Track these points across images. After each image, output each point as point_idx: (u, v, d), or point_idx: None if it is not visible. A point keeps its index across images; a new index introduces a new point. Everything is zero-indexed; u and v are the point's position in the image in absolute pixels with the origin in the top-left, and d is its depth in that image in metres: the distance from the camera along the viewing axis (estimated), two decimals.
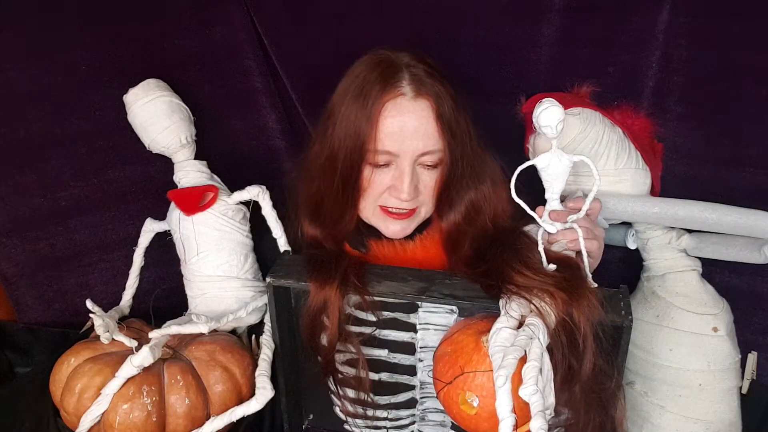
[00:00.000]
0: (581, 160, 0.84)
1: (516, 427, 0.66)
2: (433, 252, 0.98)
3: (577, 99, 0.99)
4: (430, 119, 0.88)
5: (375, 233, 0.98)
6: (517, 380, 0.68)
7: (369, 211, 0.95)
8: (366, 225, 0.98)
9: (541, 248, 0.85)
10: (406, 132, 0.88)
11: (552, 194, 0.87)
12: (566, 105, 0.95)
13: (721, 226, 0.91)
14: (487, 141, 0.97)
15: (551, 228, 0.85)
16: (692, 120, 1.05)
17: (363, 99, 0.88)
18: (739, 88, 1.00)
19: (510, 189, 0.84)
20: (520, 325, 0.76)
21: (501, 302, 0.79)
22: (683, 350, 0.96)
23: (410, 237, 0.98)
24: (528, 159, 0.86)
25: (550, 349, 0.75)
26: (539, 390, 0.66)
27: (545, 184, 0.87)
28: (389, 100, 0.88)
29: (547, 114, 0.82)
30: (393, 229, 0.95)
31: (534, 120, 0.84)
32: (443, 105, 0.89)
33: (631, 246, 1.06)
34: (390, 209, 0.93)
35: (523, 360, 0.70)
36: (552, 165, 0.84)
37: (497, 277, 0.83)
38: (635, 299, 1.04)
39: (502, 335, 0.73)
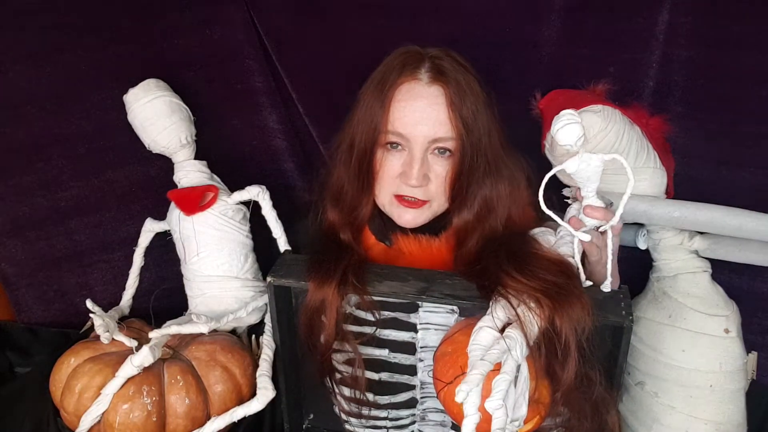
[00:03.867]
0: (613, 158, 0.79)
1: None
2: None
3: (595, 96, 0.97)
4: (443, 106, 0.88)
5: (401, 227, 0.97)
6: (488, 388, 0.67)
7: (385, 199, 0.95)
8: (391, 219, 0.97)
9: (577, 258, 0.83)
10: (417, 116, 0.88)
11: (588, 192, 0.83)
12: (585, 102, 0.93)
13: (742, 232, 0.91)
14: None
15: (585, 237, 0.82)
16: (692, 120, 1.05)
17: (382, 85, 0.89)
18: (739, 88, 1.00)
19: (537, 196, 0.80)
20: (506, 326, 0.75)
21: (491, 302, 0.79)
22: (696, 351, 0.96)
23: (436, 234, 0.96)
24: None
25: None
26: (504, 405, 0.65)
27: (579, 184, 0.84)
28: (404, 83, 0.89)
29: (565, 132, 0.78)
30: (406, 218, 0.94)
31: (552, 135, 0.80)
32: (460, 94, 0.87)
33: (642, 246, 1.05)
34: (404, 197, 0.93)
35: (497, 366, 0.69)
36: (581, 169, 0.80)
37: (489, 278, 0.82)
38: (646, 299, 1.03)
39: (481, 334, 0.73)
